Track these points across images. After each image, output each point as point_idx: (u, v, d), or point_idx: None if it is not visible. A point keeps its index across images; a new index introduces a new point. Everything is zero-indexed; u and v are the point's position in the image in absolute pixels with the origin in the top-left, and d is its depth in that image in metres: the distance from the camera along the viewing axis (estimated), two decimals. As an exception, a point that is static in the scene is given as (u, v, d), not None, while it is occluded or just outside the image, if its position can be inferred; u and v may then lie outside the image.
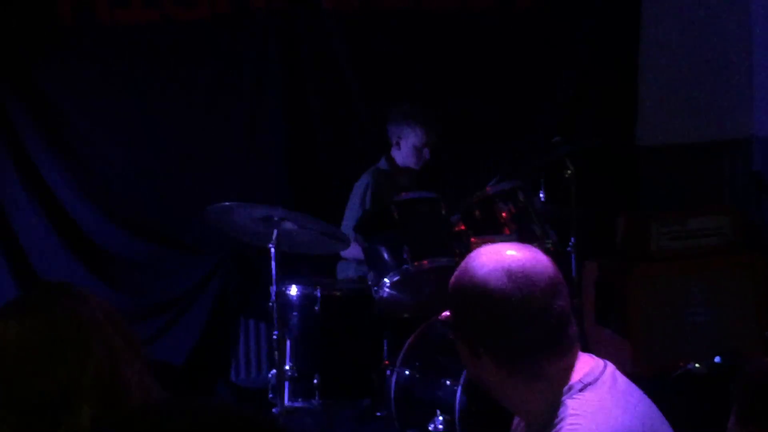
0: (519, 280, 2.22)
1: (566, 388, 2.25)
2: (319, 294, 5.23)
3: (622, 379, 2.33)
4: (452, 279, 2.36)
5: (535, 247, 2.37)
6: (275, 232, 5.04)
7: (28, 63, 6.06)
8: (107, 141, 6.25)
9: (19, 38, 6.02)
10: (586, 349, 2.43)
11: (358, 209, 5.81)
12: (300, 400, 5.23)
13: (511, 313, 2.22)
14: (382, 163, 6.03)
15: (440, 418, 4.59)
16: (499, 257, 2.28)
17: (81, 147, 6.20)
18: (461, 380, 4.57)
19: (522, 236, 5.10)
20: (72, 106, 6.17)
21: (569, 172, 5.57)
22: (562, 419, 2.20)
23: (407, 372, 4.96)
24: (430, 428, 4.62)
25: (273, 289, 5.09)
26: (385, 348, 5.26)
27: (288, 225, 5.10)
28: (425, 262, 4.98)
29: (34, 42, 6.05)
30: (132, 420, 1.10)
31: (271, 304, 5.12)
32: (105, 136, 6.24)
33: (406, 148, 5.96)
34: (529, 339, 2.23)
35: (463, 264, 2.34)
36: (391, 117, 6.03)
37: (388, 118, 6.05)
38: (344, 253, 5.88)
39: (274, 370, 5.20)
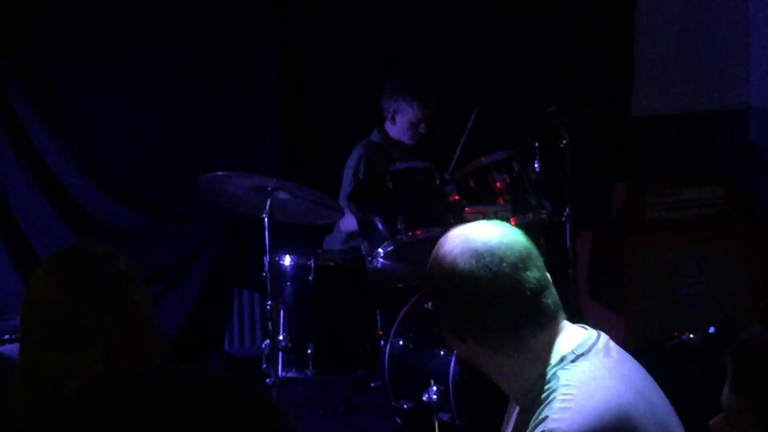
0: (486, 259, 2.23)
1: (558, 359, 2.25)
2: (312, 264, 5.22)
3: (616, 350, 2.33)
4: (426, 269, 2.38)
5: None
6: (269, 201, 5.03)
7: (17, 29, 6.01)
8: (100, 110, 6.22)
9: (7, 3, 5.97)
10: (580, 320, 2.43)
11: (353, 183, 5.78)
12: (294, 370, 5.23)
13: (484, 292, 2.23)
14: (375, 136, 5.96)
15: (434, 388, 4.59)
16: (464, 240, 2.29)
17: (73, 116, 6.17)
18: (455, 350, 4.57)
19: (516, 206, 5.09)
20: (64, 74, 6.13)
21: (564, 141, 5.56)
22: (554, 390, 2.20)
23: (401, 342, 4.95)
24: (424, 398, 4.62)
25: (266, 259, 5.08)
26: (379, 318, 5.26)
27: (281, 195, 5.09)
28: (419, 232, 4.96)
29: (23, 7, 6.01)
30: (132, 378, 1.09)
31: (264, 274, 5.12)
32: (97, 105, 6.21)
33: (401, 123, 5.87)
34: (507, 315, 2.23)
35: (433, 253, 2.36)
36: (387, 90, 5.90)
37: (383, 90, 5.96)
38: (343, 227, 5.86)
39: (268, 341, 5.20)
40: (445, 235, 2.36)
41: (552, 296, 2.28)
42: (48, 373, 2.23)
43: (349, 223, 5.69)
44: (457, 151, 5.59)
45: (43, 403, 2.22)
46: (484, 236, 2.28)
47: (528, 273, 2.24)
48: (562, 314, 2.31)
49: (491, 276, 2.22)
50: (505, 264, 2.23)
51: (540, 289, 2.25)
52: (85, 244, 2.47)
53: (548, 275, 2.31)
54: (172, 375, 1.07)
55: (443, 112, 6.12)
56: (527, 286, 2.23)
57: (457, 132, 5.82)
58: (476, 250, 2.25)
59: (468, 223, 2.39)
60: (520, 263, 2.24)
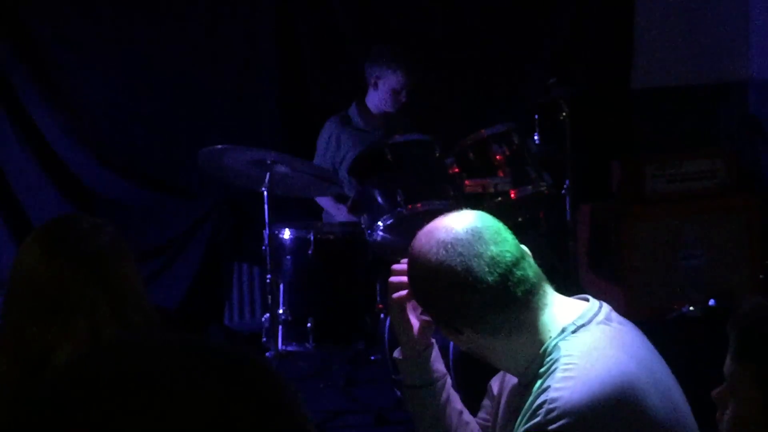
0: (455, 246, 2.24)
1: (558, 331, 2.25)
2: (312, 237, 5.21)
3: (618, 320, 2.33)
4: (407, 277, 2.40)
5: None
6: (268, 175, 5.02)
7: (14, 2, 5.99)
8: (98, 83, 6.20)
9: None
10: (581, 292, 2.43)
11: (322, 158, 5.82)
12: (293, 343, 5.23)
13: (462, 277, 2.23)
14: (352, 109, 5.97)
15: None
16: (430, 236, 2.30)
17: (72, 89, 6.16)
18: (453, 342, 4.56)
19: (516, 179, 5.08)
20: (61, 47, 6.12)
21: (564, 114, 5.54)
22: (555, 361, 2.20)
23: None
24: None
25: (266, 232, 5.08)
26: (379, 291, 5.25)
27: (281, 168, 5.08)
28: (419, 204, 4.95)
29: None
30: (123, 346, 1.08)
31: (264, 248, 5.12)
32: (96, 78, 6.20)
33: (383, 90, 5.87)
34: (490, 293, 2.23)
35: (408, 258, 2.37)
36: (371, 57, 5.92)
37: (368, 58, 5.95)
38: (318, 200, 5.91)
39: (268, 314, 5.21)
40: (412, 241, 2.36)
41: (531, 267, 2.28)
42: (34, 344, 2.28)
43: (322, 200, 5.77)
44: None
45: (31, 375, 2.26)
46: (447, 227, 2.29)
47: (500, 248, 2.24)
48: (546, 283, 2.31)
49: (464, 260, 2.22)
50: (474, 246, 2.23)
51: (516, 262, 2.25)
52: (72, 216, 2.52)
53: (524, 247, 2.31)
54: (168, 344, 1.06)
55: (438, 84, 6.12)
56: (502, 260, 2.23)
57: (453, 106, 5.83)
58: (443, 241, 2.26)
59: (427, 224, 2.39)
60: (490, 241, 2.24)
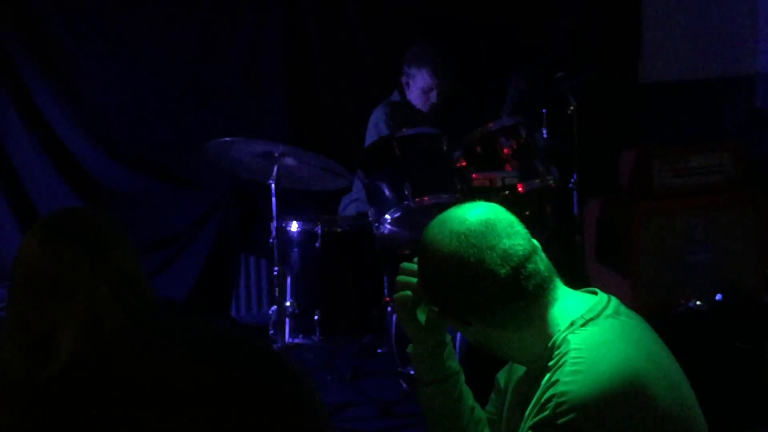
0: (468, 238, 2.23)
1: (567, 324, 2.25)
2: (319, 230, 5.21)
3: (626, 313, 2.33)
4: (417, 267, 2.40)
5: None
6: (275, 167, 5.03)
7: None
8: (107, 75, 6.21)
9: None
10: (588, 285, 2.43)
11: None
12: (301, 336, 5.24)
13: (474, 268, 2.22)
14: (395, 96, 5.97)
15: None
16: (442, 226, 2.29)
17: (80, 81, 6.17)
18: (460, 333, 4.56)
19: (524, 173, 5.08)
20: (71, 40, 6.12)
21: (572, 108, 5.54)
22: (564, 354, 2.20)
23: (408, 308, 4.95)
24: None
25: (273, 225, 5.09)
26: (386, 284, 5.26)
27: (288, 161, 5.09)
28: (426, 198, 4.95)
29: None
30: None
31: (271, 240, 5.13)
32: (105, 70, 6.20)
33: (414, 90, 5.87)
34: (501, 286, 2.23)
35: (418, 248, 2.36)
36: (406, 56, 5.93)
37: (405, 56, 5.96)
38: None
39: (275, 307, 5.21)
40: (425, 229, 2.35)
41: (543, 261, 2.28)
42: (35, 328, 2.35)
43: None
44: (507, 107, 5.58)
45: (35, 360, 2.32)
46: (460, 217, 2.28)
47: (513, 242, 2.23)
48: (557, 278, 2.31)
49: (476, 251, 2.22)
50: (487, 238, 2.23)
51: (528, 256, 2.24)
52: (74, 207, 2.59)
53: (535, 242, 2.30)
54: (173, 333, 1.05)
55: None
56: (514, 254, 2.22)
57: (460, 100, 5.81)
58: (456, 231, 2.25)
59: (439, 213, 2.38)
60: (503, 234, 2.24)
